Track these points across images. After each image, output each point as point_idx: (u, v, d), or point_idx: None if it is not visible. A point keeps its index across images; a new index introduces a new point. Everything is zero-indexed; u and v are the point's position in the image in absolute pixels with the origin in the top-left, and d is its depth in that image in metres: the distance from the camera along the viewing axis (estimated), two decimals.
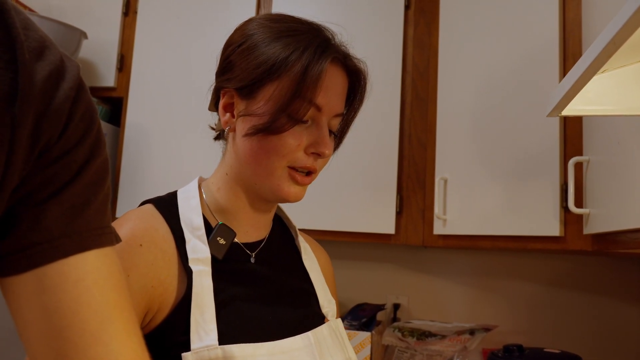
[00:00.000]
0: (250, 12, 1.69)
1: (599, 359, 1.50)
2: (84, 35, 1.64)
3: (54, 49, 0.42)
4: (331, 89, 0.68)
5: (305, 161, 0.68)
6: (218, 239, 0.67)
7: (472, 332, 1.51)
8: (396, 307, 1.75)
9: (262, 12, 1.70)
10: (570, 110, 0.72)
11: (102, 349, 0.41)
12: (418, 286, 1.77)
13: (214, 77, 0.77)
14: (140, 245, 0.62)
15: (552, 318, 1.60)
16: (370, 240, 1.54)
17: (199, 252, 0.65)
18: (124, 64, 1.77)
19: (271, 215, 0.78)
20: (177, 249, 0.65)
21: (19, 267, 0.40)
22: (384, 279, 1.79)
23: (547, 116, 0.76)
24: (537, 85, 1.25)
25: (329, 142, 0.68)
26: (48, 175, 0.41)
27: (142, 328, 0.62)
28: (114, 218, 1.73)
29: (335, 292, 0.85)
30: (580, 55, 1.17)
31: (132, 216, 0.66)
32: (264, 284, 0.71)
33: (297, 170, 0.68)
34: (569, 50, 1.21)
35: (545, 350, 1.31)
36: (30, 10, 1.74)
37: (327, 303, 0.79)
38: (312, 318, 0.74)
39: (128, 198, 1.72)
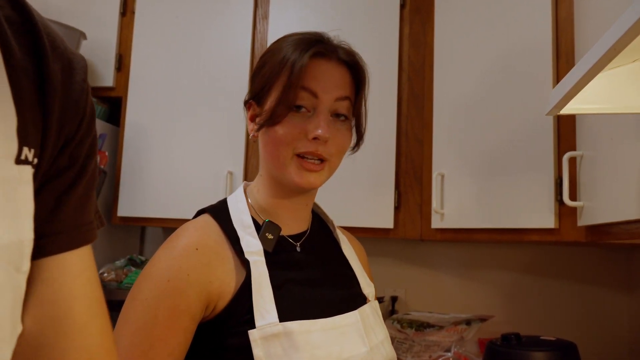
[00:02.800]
0: (247, 11, 1.71)
1: (590, 345, 1.56)
2: (82, 35, 1.65)
3: (61, 38, 0.43)
4: (323, 76, 0.75)
5: (309, 146, 0.74)
6: (267, 234, 0.75)
7: (468, 322, 1.55)
8: (394, 299, 1.79)
9: (260, 10, 1.71)
10: (568, 109, 0.76)
11: (91, 341, 0.43)
12: (415, 279, 1.81)
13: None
14: (196, 249, 0.70)
15: (545, 307, 1.66)
16: (369, 235, 1.57)
17: (252, 246, 0.73)
18: (122, 64, 1.78)
19: (309, 209, 0.85)
20: (232, 247, 0.73)
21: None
22: (382, 273, 1.83)
23: (546, 115, 0.79)
24: (531, 82, 1.29)
25: (325, 125, 0.74)
26: (64, 166, 0.41)
27: (207, 315, 0.70)
28: (115, 217, 1.75)
29: (371, 277, 0.93)
30: (573, 53, 1.21)
31: (189, 227, 0.74)
32: (311, 269, 0.79)
33: (306, 159, 0.74)
34: (562, 48, 1.25)
35: (541, 337, 1.36)
36: None
37: (367, 286, 0.87)
38: (356, 298, 0.82)
39: (128, 197, 1.72)
